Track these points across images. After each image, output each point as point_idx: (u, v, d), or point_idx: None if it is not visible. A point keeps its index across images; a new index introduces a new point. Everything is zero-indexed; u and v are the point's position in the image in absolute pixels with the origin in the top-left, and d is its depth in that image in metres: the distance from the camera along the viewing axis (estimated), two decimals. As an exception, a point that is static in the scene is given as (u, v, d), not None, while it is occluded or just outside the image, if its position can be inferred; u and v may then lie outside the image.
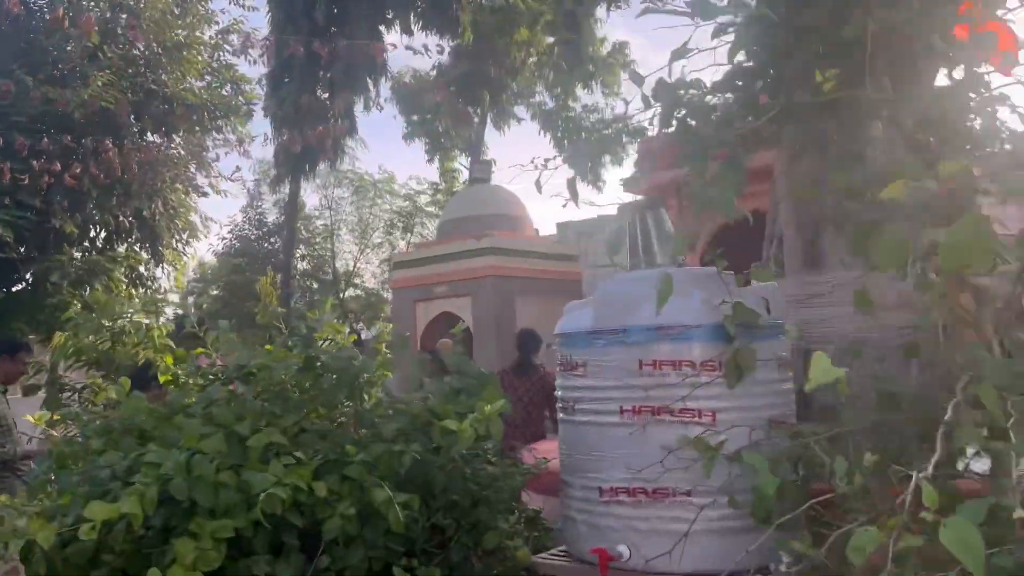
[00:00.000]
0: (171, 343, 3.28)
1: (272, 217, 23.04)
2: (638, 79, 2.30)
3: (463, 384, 2.49)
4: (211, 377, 2.57)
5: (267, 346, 2.72)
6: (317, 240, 24.84)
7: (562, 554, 2.52)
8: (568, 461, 2.49)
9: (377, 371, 2.70)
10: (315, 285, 23.82)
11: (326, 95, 11.10)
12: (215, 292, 22.79)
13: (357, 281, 25.68)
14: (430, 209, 24.51)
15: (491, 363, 8.83)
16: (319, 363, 2.52)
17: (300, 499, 2.13)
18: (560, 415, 2.54)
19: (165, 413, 2.34)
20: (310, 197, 32.62)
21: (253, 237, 22.33)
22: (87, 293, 10.82)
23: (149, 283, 13.02)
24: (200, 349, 2.90)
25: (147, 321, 3.17)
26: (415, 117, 16.59)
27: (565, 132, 16.71)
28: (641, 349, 2.26)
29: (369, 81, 11.27)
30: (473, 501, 2.50)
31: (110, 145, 8.53)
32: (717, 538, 2.18)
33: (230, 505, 2.09)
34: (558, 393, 2.56)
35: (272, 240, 22.62)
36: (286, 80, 11.00)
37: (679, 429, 2.20)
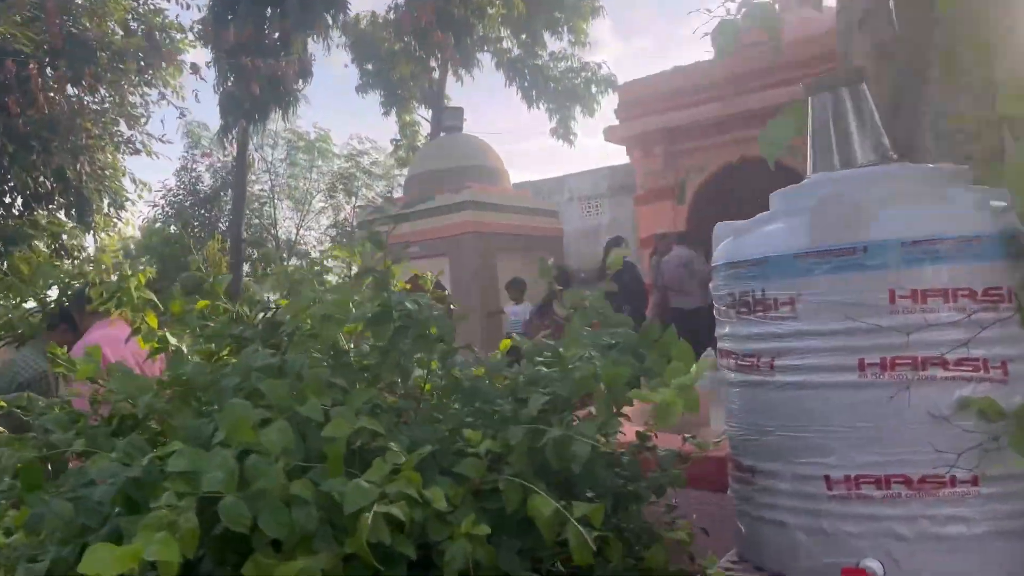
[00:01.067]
0: (153, 297, 2.44)
1: (208, 183, 21.65)
2: None
3: (622, 339, 1.75)
4: (239, 335, 1.78)
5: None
6: (255, 206, 23.53)
7: (741, 567, 1.84)
8: (762, 440, 1.79)
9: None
10: (255, 254, 22.57)
11: (276, 35, 10.01)
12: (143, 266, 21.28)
13: (301, 248, 24.54)
14: (375, 170, 23.48)
15: (471, 332, 8.12)
16: (399, 313, 1.74)
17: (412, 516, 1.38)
18: (736, 375, 1.84)
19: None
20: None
21: (188, 204, 20.92)
22: (3, 264, 9.68)
23: (76, 254, 11.80)
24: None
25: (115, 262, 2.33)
26: (370, 66, 15.48)
27: (532, 82, 15.86)
28: (894, 274, 1.57)
29: (328, 17, 10.20)
30: (624, 500, 1.80)
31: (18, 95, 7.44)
32: (1013, 543, 1.53)
33: (310, 533, 1.34)
34: (730, 345, 1.86)
35: (209, 208, 21.27)
36: (230, 17, 9.87)
37: (955, 388, 1.54)
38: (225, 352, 2.06)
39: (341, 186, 23.38)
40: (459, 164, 9.91)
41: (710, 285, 2.01)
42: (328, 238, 23.33)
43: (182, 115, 10.29)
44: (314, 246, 24.34)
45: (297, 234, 23.88)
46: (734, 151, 10.41)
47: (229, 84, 9.96)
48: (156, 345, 2.16)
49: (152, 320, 2.34)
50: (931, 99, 3.65)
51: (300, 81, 9.87)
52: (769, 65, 10.13)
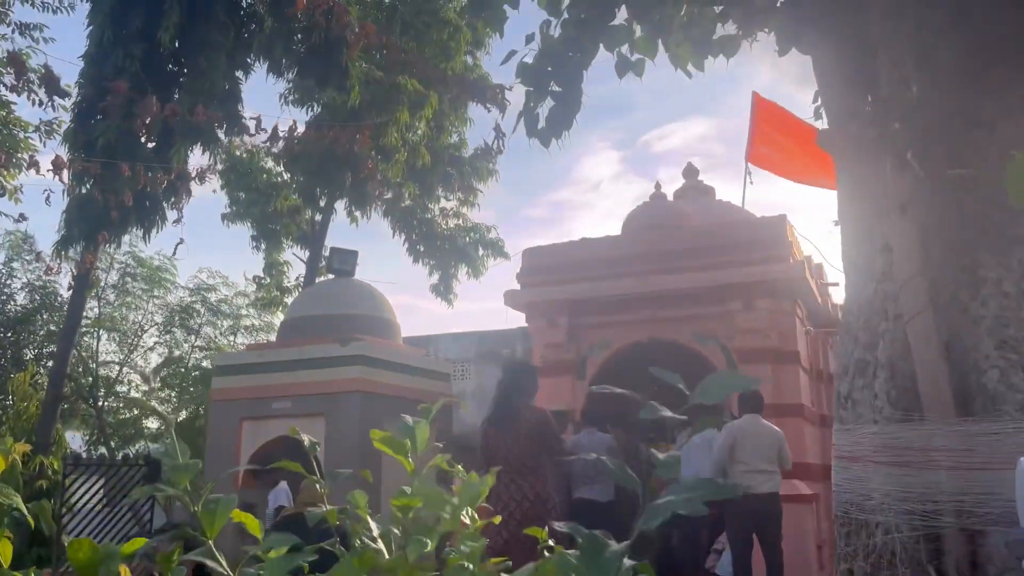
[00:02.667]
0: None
1: (21, 302, 19.00)
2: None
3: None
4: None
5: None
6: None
7: None
8: None
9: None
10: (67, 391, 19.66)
11: (152, 143, 8.83)
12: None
13: (120, 389, 21.77)
14: (223, 308, 21.67)
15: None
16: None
17: None
18: None
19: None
20: (65, 281, 28.13)
21: (-10, 326, 18.13)
22: None
23: None
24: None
25: None
26: (241, 195, 14.30)
27: (420, 235, 15.21)
28: None
29: (220, 134, 9.14)
30: None
31: None
32: None
33: None
34: None
35: (16, 331, 18.54)
36: (98, 118, 8.62)
37: None
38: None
39: (179, 321, 21.29)
40: (348, 312, 8.87)
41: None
42: (159, 378, 20.91)
43: (21, 219, 8.61)
44: (137, 385, 21.72)
45: (120, 372, 21.24)
46: (642, 330, 10.06)
47: (84, 189, 8.55)
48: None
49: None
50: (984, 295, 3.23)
51: (172, 199, 8.65)
52: (673, 249, 10.11)
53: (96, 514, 8.20)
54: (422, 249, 15.35)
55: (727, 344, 9.64)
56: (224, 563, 1.26)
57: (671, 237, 10.29)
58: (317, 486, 5.80)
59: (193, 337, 21.56)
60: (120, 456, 12.71)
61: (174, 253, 10.66)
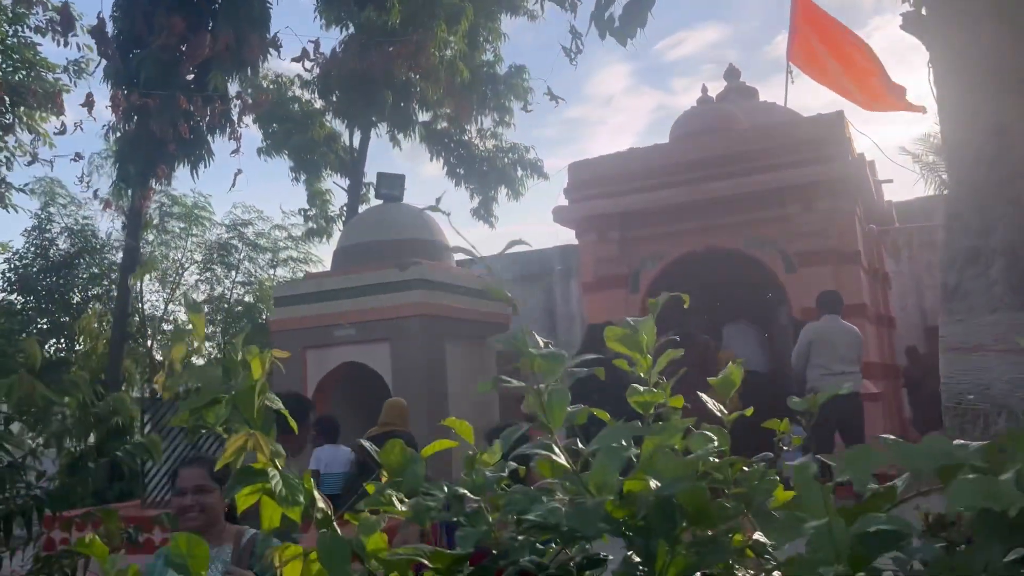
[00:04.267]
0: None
1: (63, 246, 19.34)
2: None
3: None
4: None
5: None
6: (113, 275, 21.31)
7: None
8: None
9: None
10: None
11: (191, 75, 8.76)
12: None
13: (166, 327, 22.31)
14: (261, 242, 21.89)
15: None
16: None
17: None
18: None
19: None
20: (103, 223, 28.61)
21: (37, 270, 18.51)
22: None
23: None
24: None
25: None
26: (275, 126, 14.20)
27: (459, 159, 15.09)
28: None
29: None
30: None
31: None
32: None
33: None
34: None
35: (60, 275, 18.94)
36: (136, 51, 8.55)
37: None
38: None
39: (219, 258, 21.59)
40: (401, 237, 8.91)
41: None
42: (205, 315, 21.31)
43: (78, 157, 8.61)
44: (183, 323, 22.20)
45: (165, 309, 21.73)
46: (696, 239, 10.00)
47: (130, 126, 8.56)
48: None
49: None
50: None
51: (229, 129, 8.63)
52: (725, 153, 9.93)
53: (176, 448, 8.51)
54: (462, 172, 15.24)
55: (785, 248, 9.57)
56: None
57: (723, 141, 10.11)
58: (401, 404, 5.94)
59: (234, 273, 21.91)
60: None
61: (233, 185, 10.71)
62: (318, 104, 14.49)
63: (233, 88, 9.61)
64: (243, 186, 41.95)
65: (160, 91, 7.37)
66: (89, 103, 8.20)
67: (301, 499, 1.22)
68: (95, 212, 18.10)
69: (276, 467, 1.28)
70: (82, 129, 7.83)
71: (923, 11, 4.74)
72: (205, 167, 9.24)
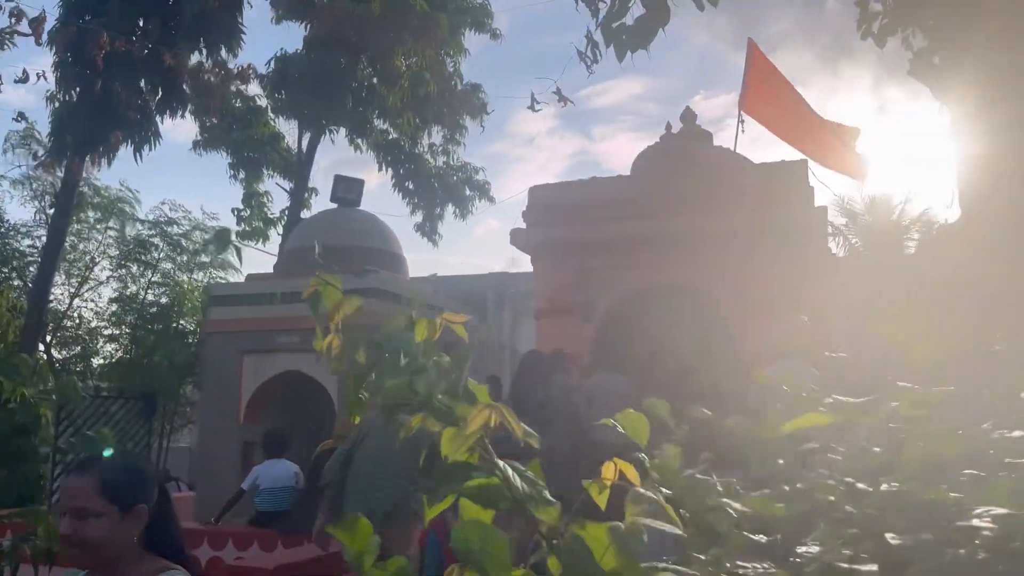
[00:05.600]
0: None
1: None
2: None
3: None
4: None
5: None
6: (14, 263, 20.01)
7: None
8: None
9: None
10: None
11: (147, 47, 8.16)
12: None
13: (68, 324, 21.02)
14: (185, 244, 20.93)
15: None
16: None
17: None
18: None
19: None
20: (16, 211, 26.91)
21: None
22: None
23: None
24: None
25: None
26: (213, 120, 13.52)
27: (408, 172, 14.72)
28: None
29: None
30: None
31: None
32: None
33: None
34: None
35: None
36: (87, 17, 7.94)
37: None
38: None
39: (136, 255, 20.54)
40: (356, 244, 8.54)
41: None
42: (106, 310, 20.25)
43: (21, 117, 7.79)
44: (88, 321, 21.05)
45: (70, 305, 20.49)
46: (654, 275, 9.96)
47: (74, 96, 7.90)
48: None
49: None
50: None
51: (168, 111, 8.04)
52: (689, 191, 9.96)
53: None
54: (411, 186, 14.91)
55: (742, 291, 9.61)
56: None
57: (687, 179, 10.14)
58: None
59: (150, 272, 20.85)
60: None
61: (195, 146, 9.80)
62: (263, 101, 13.96)
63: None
64: (175, 182, 40.29)
65: (115, 65, 6.85)
66: (24, 78, 7.60)
67: (550, 497, 0.94)
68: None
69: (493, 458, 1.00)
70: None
71: (935, 60, 4.78)
72: (150, 149, 8.68)
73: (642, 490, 0.98)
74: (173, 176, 52.42)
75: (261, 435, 6.08)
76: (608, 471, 1.05)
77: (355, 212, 8.95)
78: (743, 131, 13.81)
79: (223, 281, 19.68)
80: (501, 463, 0.97)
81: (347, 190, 8.91)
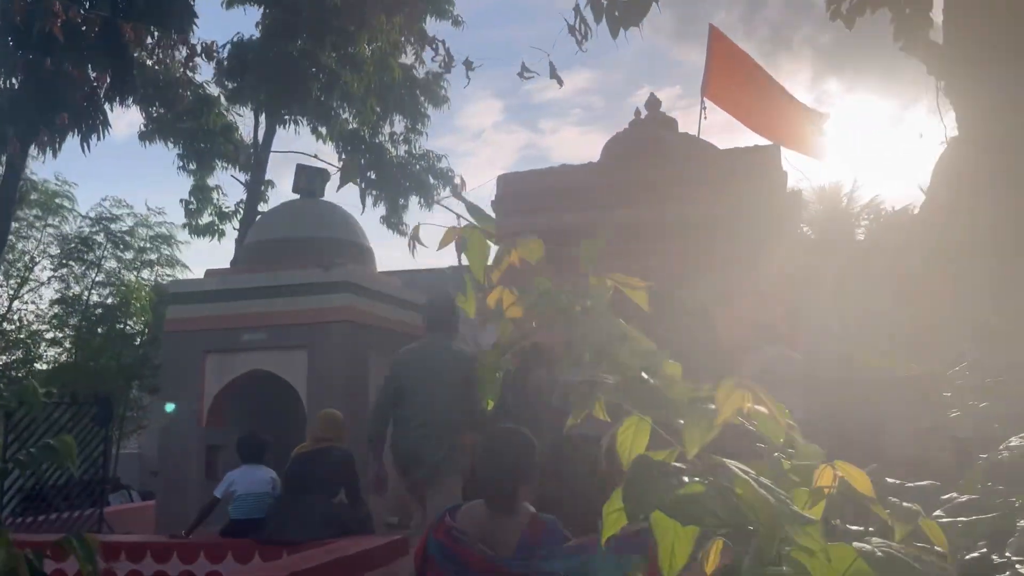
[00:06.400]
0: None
1: None
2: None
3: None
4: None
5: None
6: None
7: None
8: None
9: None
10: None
11: (95, 30, 7.66)
12: None
13: (8, 328, 20.14)
14: (131, 241, 20.17)
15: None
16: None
17: None
18: None
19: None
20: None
21: None
22: None
23: None
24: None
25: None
26: (160, 109, 12.87)
27: (369, 163, 14.31)
28: None
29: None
30: None
31: None
32: None
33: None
34: None
35: None
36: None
37: None
38: None
39: (78, 254, 19.74)
40: (321, 235, 8.20)
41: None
42: (48, 312, 19.49)
43: None
44: (29, 324, 20.21)
45: (9, 308, 19.63)
46: (628, 264, 9.80)
47: (14, 82, 7.37)
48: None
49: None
50: None
51: (118, 99, 7.56)
52: (662, 177, 9.84)
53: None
54: (373, 176, 14.50)
55: (716, 278, 9.51)
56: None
57: (658, 165, 10.01)
58: (338, 417, 5.18)
59: (93, 272, 20.07)
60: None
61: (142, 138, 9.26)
62: (214, 90, 13.39)
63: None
64: (113, 178, 38.84)
65: (67, 35, 6.38)
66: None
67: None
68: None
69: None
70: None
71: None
72: (99, 139, 8.17)
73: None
74: (111, 172, 50.80)
75: (236, 439, 5.75)
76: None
77: (319, 203, 8.60)
78: (705, 118, 13.75)
79: (172, 279, 19.09)
80: (734, 464, 0.74)
81: (310, 181, 8.56)
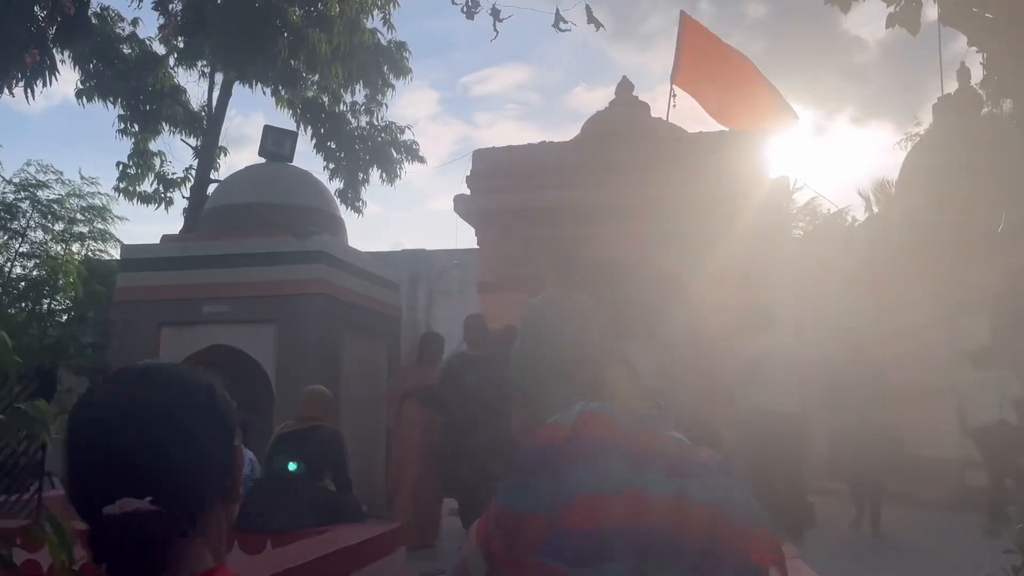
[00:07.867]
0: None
1: None
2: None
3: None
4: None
5: None
6: None
7: None
8: None
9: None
10: None
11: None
12: None
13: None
14: (58, 209, 19.00)
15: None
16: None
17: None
18: None
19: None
20: None
21: None
22: None
23: None
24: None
25: None
26: (97, 65, 11.95)
27: (328, 132, 13.63)
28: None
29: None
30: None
31: None
32: None
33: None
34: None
35: None
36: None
37: None
38: None
39: (2, 223, 18.53)
40: (289, 202, 7.69)
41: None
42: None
43: None
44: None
45: (-75, 280, 18.32)
46: (609, 245, 9.55)
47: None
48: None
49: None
50: None
51: (64, 39, 6.84)
52: (645, 157, 9.61)
53: None
54: (333, 146, 13.86)
55: (697, 264, 9.34)
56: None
57: (642, 146, 9.78)
58: (326, 394, 4.69)
59: (17, 243, 18.86)
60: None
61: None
62: (159, 47, 12.53)
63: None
64: (54, 141, 36.39)
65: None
66: None
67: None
68: None
69: None
70: None
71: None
72: (45, 85, 7.47)
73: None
74: (43, 136, 48.34)
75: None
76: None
77: (287, 168, 8.09)
78: (675, 105, 13.60)
79: (103, 256, 18.15)
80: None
81: (278, 143, 8.02)
